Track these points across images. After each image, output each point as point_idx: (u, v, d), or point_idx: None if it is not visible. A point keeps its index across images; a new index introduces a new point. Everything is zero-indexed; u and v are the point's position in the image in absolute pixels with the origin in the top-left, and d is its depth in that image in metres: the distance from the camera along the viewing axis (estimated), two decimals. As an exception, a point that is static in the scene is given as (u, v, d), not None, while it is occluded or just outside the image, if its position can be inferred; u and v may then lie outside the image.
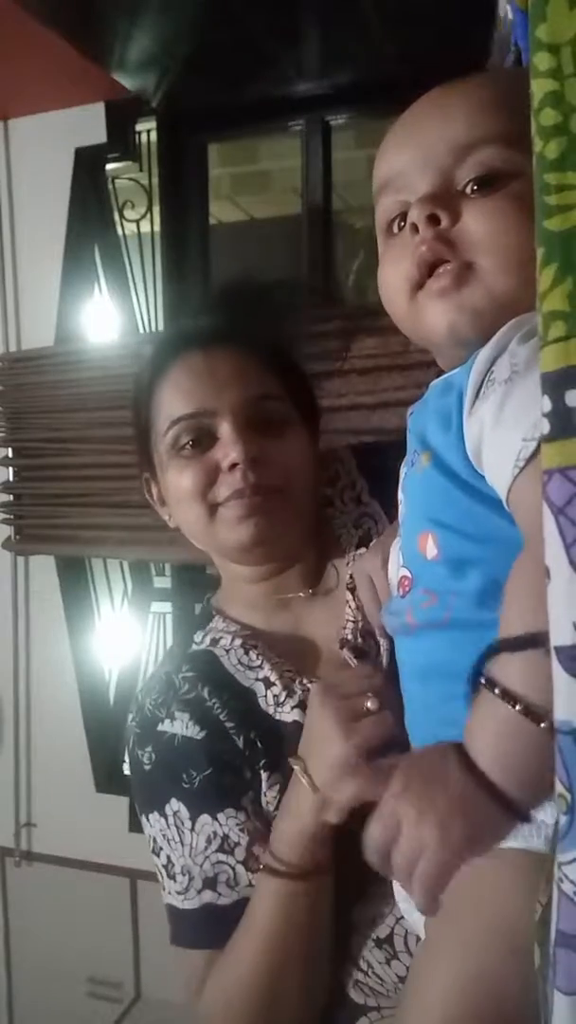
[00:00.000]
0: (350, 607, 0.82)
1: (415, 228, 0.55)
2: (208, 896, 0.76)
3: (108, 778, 2.54)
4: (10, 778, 2.63)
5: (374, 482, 0.90)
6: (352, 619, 0.81)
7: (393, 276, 0.59)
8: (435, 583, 0.54)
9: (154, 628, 2.68)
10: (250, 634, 0.86)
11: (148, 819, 0.81)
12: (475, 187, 0.54)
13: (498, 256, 0.53)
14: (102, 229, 2.53)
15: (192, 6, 1.92)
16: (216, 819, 0.76)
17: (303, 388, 0.89)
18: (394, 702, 0.65)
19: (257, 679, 0.81)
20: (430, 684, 0.57)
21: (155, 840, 0.80)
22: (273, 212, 3.06)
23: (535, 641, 0.42)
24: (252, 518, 0.80)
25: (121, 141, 2.45)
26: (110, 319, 2.54)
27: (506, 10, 0.69)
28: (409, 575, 0.58)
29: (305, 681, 0.80)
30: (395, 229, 0.59)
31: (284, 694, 0.79)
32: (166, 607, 2.67)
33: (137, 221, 2.52)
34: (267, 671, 0.81)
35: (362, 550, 0.85)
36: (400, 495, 0.62)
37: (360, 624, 0.80)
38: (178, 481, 0.83)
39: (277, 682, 0.80)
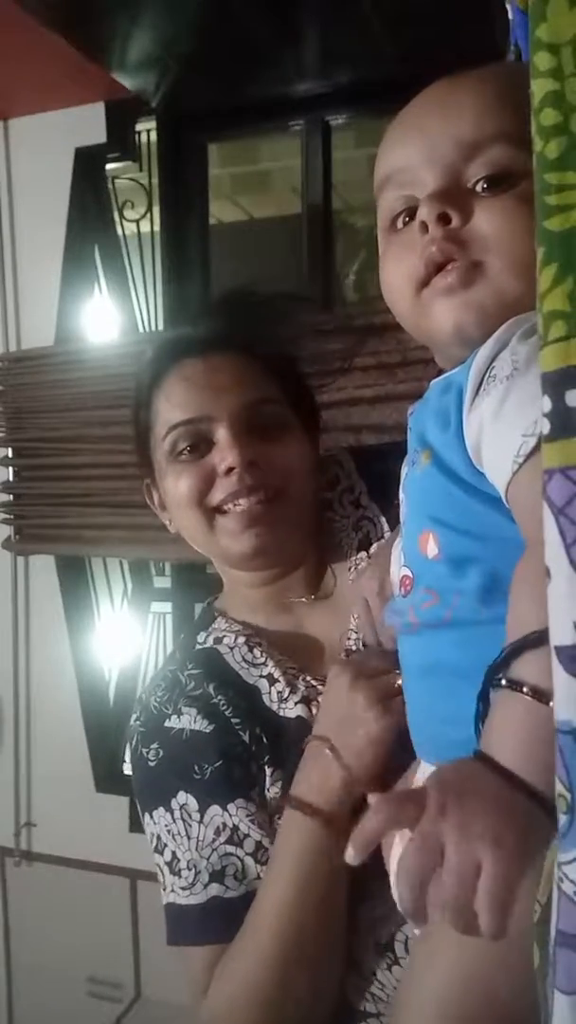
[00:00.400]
0: (354, 618, 0.82)
1: (424, 226, 0.55)
2: (215, 889, 0.75)
3: (108, 778, 2.54)
4: (10, 778, 2.63)
5: (373, 485, 0.90)
6: (356, 630, 0.82)
7: (397, 273, 0.58)
8: (436, 582, 0.54)
9: (154, 628, 2.68)
10: (253, 633, 0.86)
11: (152, 816, 0.81)
12: (485, 185, 0.54)
13: (507, 256, 0.52)
14: (102, 229, 2.53)
15: (192, 6, 1.92)
16: (226, 810, 0.76)
17: (302, 393, 0.89)
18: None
19: (261, 676, 0.82)
20: (433, 682, 0.57)
21: (159, 837, 0.80)
22: (273, 212, 3.07)
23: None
24: (253, 528, 0.80)
25: (121, 141, 2.45)
26: (110, 319, 2.54)
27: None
28: (410, 574, 0.58)
29: (308, 678, 0.80)
30: (399, 225, 0.59)
31: (288, 691, 0.80)
32: (166, 607, 2.67)
33: (137, 221, 2.53)
34: (270, 668, 0.82)
35: (362, 555, 0.85)
36: (401, 495, 0.62)
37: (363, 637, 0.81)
38: (176, 486, 0.83)
39: (280, 679, 0.81)
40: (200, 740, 0.79)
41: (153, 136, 2.50)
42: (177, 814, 0.78)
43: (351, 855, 0.44)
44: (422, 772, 0.60)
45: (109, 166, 2.50)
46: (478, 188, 0.54)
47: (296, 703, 0.79)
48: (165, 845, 0.79)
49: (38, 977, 2.72)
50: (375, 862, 0.55)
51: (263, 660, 0.83)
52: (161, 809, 0.79)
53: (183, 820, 0.78)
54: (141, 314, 2.57)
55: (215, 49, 2.13)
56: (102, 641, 2.60)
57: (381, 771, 0.68)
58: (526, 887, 0.41)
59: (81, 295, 2.53)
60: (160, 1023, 2.49)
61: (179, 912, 0.77)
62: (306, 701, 0.79)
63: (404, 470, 0.62)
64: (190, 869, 0.76)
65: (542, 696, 0.41)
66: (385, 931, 0.70)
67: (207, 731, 0.79)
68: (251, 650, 0.84)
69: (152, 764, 0.82)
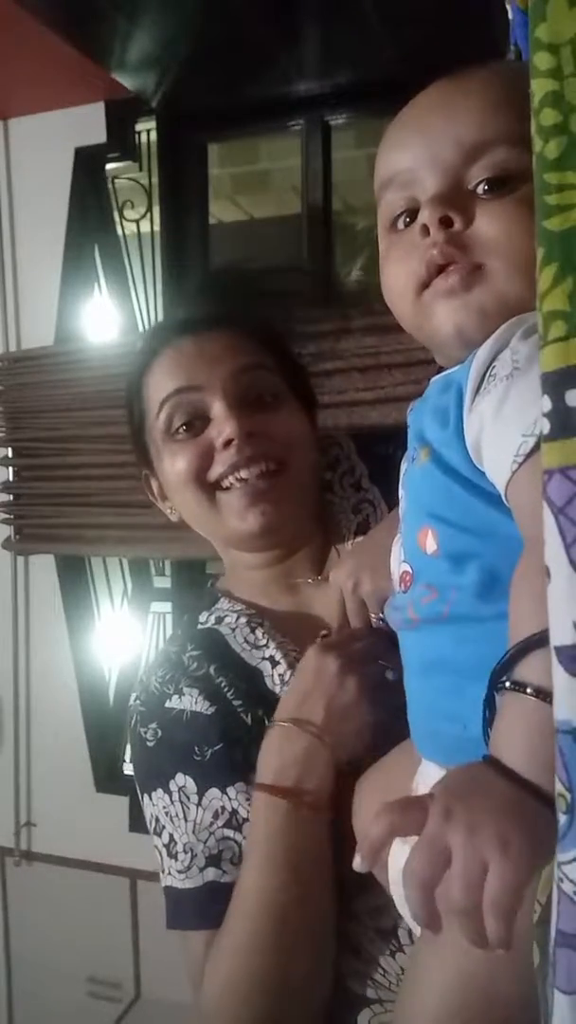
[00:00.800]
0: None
1: (425, 229, 0.55)
2: (211, 874, 0.74)
3: (108, 778, 2.54)
4: (10, 778, 2.63)
5: (374, 468, 0.89)
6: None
7: (398, 274, 0.58)
8: (435, 578, 0.54)
9: (154, 628, 2.68)
10: (255, 613, 0.85)
11: (151, 797, 0.80)
12: (486, 188, 0.54)
13: (508, 259, 0.53)
14: (102, 229, 2.53)
15: (192, 6, 1.92)
16: (225, 793, 0.75)
17: (295, 365, 0.88)
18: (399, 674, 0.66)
19: (263, 658, 0.81)
20: (432, 678, 0.57)
21: (157, 819, 0.79)
22: (273, 212, 3.06)
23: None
24: (259, 506, 0.79)
25: (121, 141, 2.45)
26: (110, 319, 2.54)
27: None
28: (410, 570, 0.58)
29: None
30: (400, 225, 0.59)
31: (289, 673, 0.79)
32: (166, 607, 2.67)
33: (137, 221, 2.52)
34: (272, 650, 0.81)
35: (360, 539, 0.84)
36: (401, 491, 0.62)
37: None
38: (174, 465, 0.82)
39: (282, 661, 0.80)
40: (201, 722, 0.78)
41: (153, 136, 2.50)
42: (175, 796, 0.77)
43: (359, 863, 0.45)
44: (423, 770, 0.59)
45: (109, 166, 2.50)
46: (479, 190, 0.54)
47: None
48: (163, 827, 0.78)
49: (38, 977, 2.72)
50: None
51: (265, 642, 0.82)
52: (160, 791, 0.78)
53: (181, 803, 0.77)
54: (141, 314, 2.57)
55: (215, 49, 2.13)
56: (102, 641, 2.60)
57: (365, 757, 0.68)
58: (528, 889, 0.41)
59: (81, 295, 2.53)
60: (160, 1023, 2.49)
61: (177, 896, 0.76)
62: None
63: (403, 466, 0.62)
64: (187, 852, 0.75)
65: (546, 696, 0.41)
66: (388, 918, 0.69)
67: (208, 713, 0.78)
68: (253, 631, 0.83)
69: (151, 744, 0.81)
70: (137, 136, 2.49)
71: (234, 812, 0.75)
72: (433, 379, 0.61)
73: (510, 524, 0.48)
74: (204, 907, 0.74)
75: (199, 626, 0.87)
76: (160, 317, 2.56)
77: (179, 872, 0.75)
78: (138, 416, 0.87)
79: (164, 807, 0.78)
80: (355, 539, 0.85)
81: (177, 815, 0.77)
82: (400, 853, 0.52)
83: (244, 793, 0.75)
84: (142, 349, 0.87)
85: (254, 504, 0.79)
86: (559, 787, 0.35)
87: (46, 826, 2.64)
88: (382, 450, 0.80)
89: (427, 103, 0.57)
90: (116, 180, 2.53)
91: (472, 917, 0.40)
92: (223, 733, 0.77)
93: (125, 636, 2.63)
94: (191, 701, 0.80)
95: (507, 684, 0.43)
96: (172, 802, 0.77)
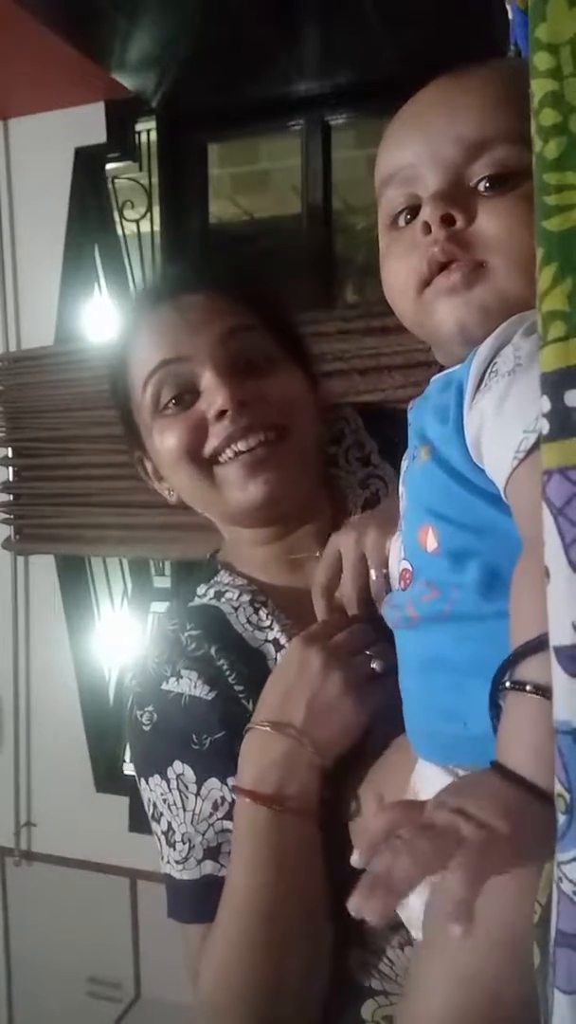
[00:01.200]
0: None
1: (427, 227, 0.55)
2: (209, 867, 0.72)
3: (108, 778, 2.54)
4: (10, 778, 2.63)
5: (385, 445, 0.84)
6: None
7: (400, 271, 0.58)
8: (436, 576, 0.54)
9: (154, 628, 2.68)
10: (258, 591, 0.80)
11: (147, 782, 0.76)
12: (488, 185, 0.54)
13: (510, 257, 0.52)
14: (102, 229, 2.53)
15: (192, 6, 1.92)
16: (225, 783, 0.72)
17: (286, 321, 0.82)
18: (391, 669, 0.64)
19: (267, 641, 0.77)
20: (431, 677, 0.56)
21: (155, 805, 0.76)
22: (273, 212, 3.06)
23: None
24: (260, 475, 0.74)
25: (121, 141, 2.45)
26: (110, 319, 2.54)
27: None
28: (410, 568, 0.58)
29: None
30: (401, 222, 0.58)
31: None
32: (166, 607, 2.67)
33: (137, 221, 2.52)
34: (277, 633, 0.77)
35: (367, 513, 0.79)
36: (401, 488, 0.62)
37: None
38: (164, 442, 0.77)
39: (287, 645, 0.75)
40: (200, 708, 0.74)
41: (153, 136, 2.50)
42: (173, 784, 0.74)
43: (357, 859, 0.44)
44: (419, 769, 0.59)
45: (109, 166, 2.50)
46: (480, 187, 0.54)
47: None
48: (161, 814, 0.75)
49: (38, 977, 2.72)
50: None
51: (269, 623, 0.77)
52: (157, 777, 0.75)
53: (179, 791, 0.74)
54: (141, 314, 2.57)
55: (215, 49, 2.13)
56: (102, 641, 2.60)
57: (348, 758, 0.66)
58: (528, 887, 0.41)
59: (81, 295, 2.53)
60: (160, 1023, 2.49)
61: (175, 886, 0.74)
62: None
63: (404, 464, 0.62)
64: (184, 843, 0.73)
65: (547, 694, 0.40)
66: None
67: (208, 698, 0.74)
68: (256, 611, 0.78)
69: (146, 728, 0.77)
70: (137, 136, 2.49)
71: (235, 803, 0.71)
72: (434, 378, 0.61)
73: (510, 522, 0.48)
74: (201, 900, 0.72)
75: (196, 599, 0.83)
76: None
77: (177, 862, 0.73)
78: (123, 395, 0.82)
79: (162, 794, 0.75)
80: (363, 514, 0.80)
81: (175, 804, 0.74)
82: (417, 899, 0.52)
83: None
84: (124, 327, 0.82)
85: (254, 474, 0.74)
86: (558, 787, 0.35)
87: (46, 826, 2.64)
88: (392, 429, 0.75)
89: (428, 100, 0.57)
90: (116, 180, 2.53)
91: (421, 863, 0.39)
92: (224, 720, 0.73)
93: (125, 636, 2.63)
94: (189, 685, 0.75)
95: (507, 684, 0.43)
96: (170, 790, 0.74)
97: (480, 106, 0.54)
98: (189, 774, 0.74)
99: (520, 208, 0.52)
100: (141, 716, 0.78)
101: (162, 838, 0.75)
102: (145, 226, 2.54)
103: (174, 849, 0.74)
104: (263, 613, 0.78)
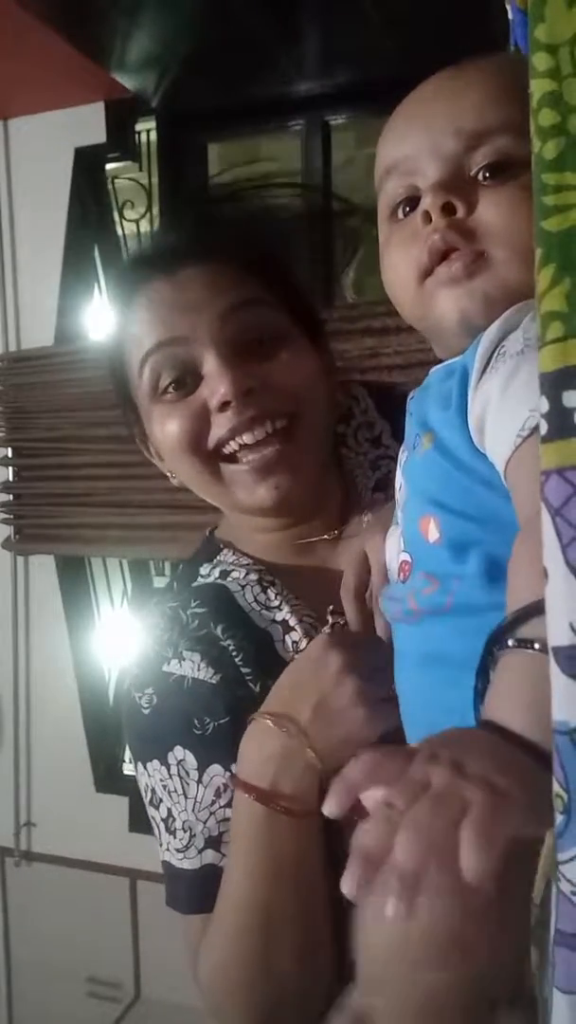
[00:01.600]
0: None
1: (427, 216, 0.55)
2: (210, 856, 0.69)
3: (108, 778, 2.54)
4: (10, 778, 2.63)
5: (398, 426, 0.80)
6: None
7: (400, 262, 0.58)
8: (437, 567, 0.54)
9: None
10: (266, 570, 0.77)
11: (146, 767, 0.73)
12: (487, 174, 0.54)
13: (511, 246, 0.53)
14: (102, 229, 2.53)
15: (192, 6, 1.92)
16: (229, 770, 0.69)
17: (294, 289, 0.76)
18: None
19: (274, 621, 0.73)
20: (432, 672, 0.56)
21: (153, 791, 0.73)
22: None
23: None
24: (270, 478, 0.70)
25: (121, 141, 2.45)
26: (110, 319, 2.54)
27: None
28: (409, 559, 0.58)
29: (325, 630, 0.72)
30: (401, 214, 0.58)
31: (305, 641, 0.72)
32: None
33: (137, 221, 2.52)
34: (286, 614, 0.73)
35: (379, 495, 0.77)
36: (399, 479, 0.62)
37: None
38: (165, 431, 0.72)
39: (296, 627, 0.72)
40: (204, 691, 0.71)
41: (153, 136, 2.50)
42: (174, 770, 0.71)
43: (330, 806, 0.40)
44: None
45: (109, 166, 2.50)
46: (480, 177, 0.54)
47: None
48: (160, 800, 0.72)
49: (38, 977, 2.72)
50: None
51: (278, 603, 0.74)
52: (156, 762, 0.72)
53: (180, 777, 0.71)
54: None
55: (215, 49, 2.13)
56: (102, 641, 2.60)
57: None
58: (519, 877, 0.39)
59: (81, 295, 2.53)
60: (160, 1023, 2.49)
61: (174, 874, 0.72)
62: None
63: (402, 455, 0.62)
64: (185, 831, 0.70)
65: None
66: None
67: (212, 682, 0.71)
68: (265, 591, 0.74)
69: (145, 711, 0.74)
70: (137, 136, 2.49)
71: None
72: (433, 369, 0.61)
73: (512, 511, 0.48)
74: (201, 890, 0.70)
75: (200, 579, 0.79)
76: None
77: (177, 851, 0.71)
78: (119, 370, 0.77)
79: (161, 780, 0.72)
80: (373, 495, 0.77)
81: (176, 790, 0.71)
82: None
83: None
84: (116, 287, 0.76)
85: (265, 477, 0.70)
86: (556, 787, 0.35)
87: (46, 826, 2.64)
88: (404, 414, 0.70)
89: (428, 93, 0.58)
90: (116, 180, 2.53)
91: (428, 840, 0.34)
92: (229, 705, 0.70)
93: (125, 636, 2.63)
94: (192, 667, 0.72)
95: (510, 643, 0.41)
96: (170, 776, 0.71)
97: (479, 96, 0.54)
98: (190, 760, 0.71)
99: (520, 197, 0.52)
100: (140, 699, 0.75)
101: (160, 825, 0.73)
102: (145, 226, 2.54)
103: (174, 837, 0.71)
104: (271, 593, 0.75)
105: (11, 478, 2.52)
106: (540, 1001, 0.40)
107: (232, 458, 0.72)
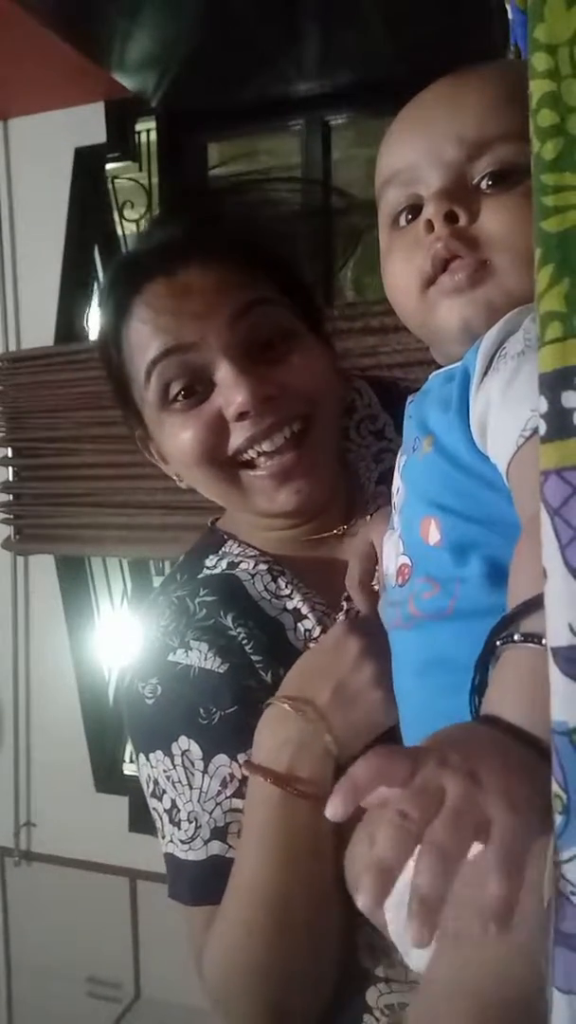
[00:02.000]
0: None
1: (429, 224, 0.55)
2: (216, 847, 0.68)
3: (108, 778, 2.55)
4: (10, 778, 2.63)
5: (398, 421, 0.79)
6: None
7: (402, 270, 0.58)
8: (437, 570, 0.54)
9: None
10: (274, 561, 0.76)
11: (149, 759, 0.72)
12: (490, 183, 0.54)
13: (513, 254, 0.53)
14: (102, 229, 2.53)
15: (192, 6, 1.92)
16: (235, 760, 0.68)
17: (299, 286, 0.75)
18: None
19: (285, 610, 0.73)
20: (433, 678, 0.56)
21: (156, 782, 0.72)
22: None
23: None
24: (290, 483, 0.69)
25: (121, 141, 2.45)
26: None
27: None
28: (409, 562, 0.57)
29: (338, 617, 0.72)
30: (402, 222, 0.59)
31: (318, 629, 0.71)
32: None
33: (137, 221, 2.52)
34: (297, 602, 0.73)
35: (383, 488, 0.76)
36: (397, 482, 0.62)
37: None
38: (177, 441, 0.71)
39: (309, 615, 0.72)
40: (212, 681, 0.70)
41: (153, 136, 2.50)
42: (178, 760, 0.70)
43: (334, 807, 0.39)
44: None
45: (109, 166, 2.51)
46: (482, 185, 0.54)
47: None
48: (164, 791, 0.71)
49: (38, 977, 2.72)
50: None
51: (288, 592, 0.73)
52: (159, 752, 0.71)
53: (184, 767, 0.70)
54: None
55: (215, 49, 2.13)
56: (102, 641, 2.60)
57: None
58: (539, 876, 0.38)
59: (81, 295, 2.53)
60: (160, 1023, 2.49)
61: (178, 866, 0.70)
62: None
63: (401, 458, 0.62)
64: (190, 822, 0.69)
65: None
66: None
67: (220, 671, 0.70)
68: (275, 580, 0.74)
69: (149, 701, 0.72)
70: (137, 136, 2.49)
71: (244, 780, 0.68)
72: (433, 373, 0.61)
73: (514, 513, 0.48)
74: (206, 882, 0.68)
75: (207, 571, 0.78)
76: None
77: (182, 842, 0.70)
78: (118, 369, 0.74)
79: (165, 770, 0.71)
80: (376, 488, 0.77)
81: (180, 781, 0.70)
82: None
83: None
84: (112, 286, 0.74)
85: (285, 482, 0.69)
86: (555, 787, 0.35)
87: (46, 826, 2.64)
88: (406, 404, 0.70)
89: (429, 100, 0.58)
90: (116, 180, 2.53)
91: (451, 863, 0.34)
92: (237, 694, 0.69)
93: (125, 636, 2.63)
94: (199, 657, 0.71)
95: (515, 637, 0.41)
96: (174, 766, 0.70)
97: (481, 105, 0.54)
98: (195, 750, 0.70)
99: (523, 205, 0.52)
100: (143, 688, 0.74)
101: (164, 816, 0.72)
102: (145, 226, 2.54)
103: (179, 828, 0.70)
104: (282, 582, 0.74)
105: (11, 478, 2.52)
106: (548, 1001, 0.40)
107: (250, 464, 0.71)
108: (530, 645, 0.40)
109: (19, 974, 2.80)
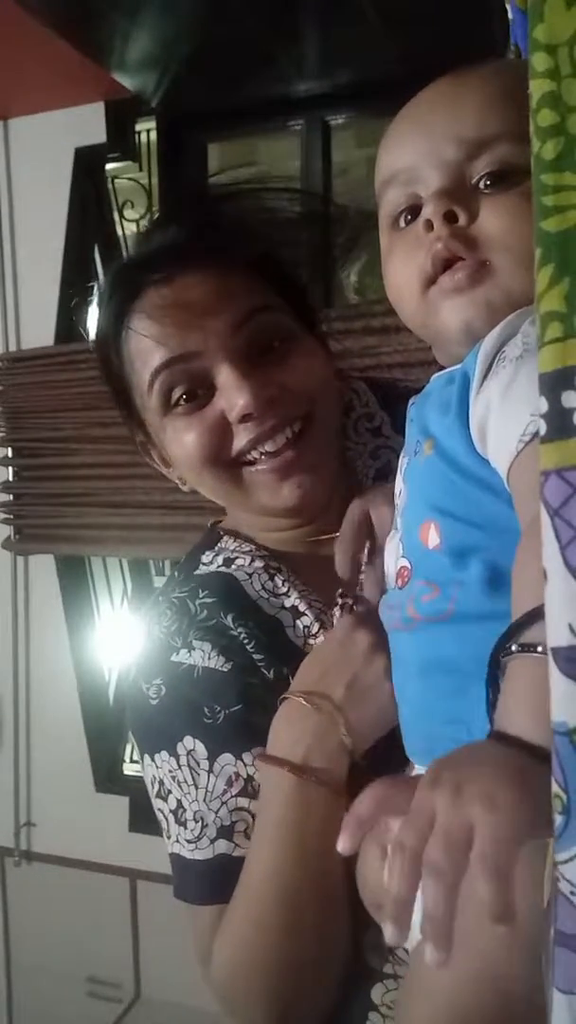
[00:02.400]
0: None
1: (429, 224, 0.55)
2: (223, 846, 0.68)
3: (108, 778, 2.55)
4: (10, 778, 2.63)
5: (396, 419, 0.81)
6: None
7: (403, 271, 0.58)
8: (437, 573, 0.54)
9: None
10: (270, 556, 0.77)
11: (153, 759, 0.73)
12: (489, 183, 0.54)
13: (513, 254, 0.53)
14: (102, 229, 2.53)
15: (192, 6, 1.92)
16: (240, 759, 0.69)
17: (296, 289, 0.76)
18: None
19: (283, 608, 0.74)
20: (433, 681, 0.56)
21: (161, 782, 0.72)
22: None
23: None
24: (293, 478, 0.70)
25: (121, 141, 2.45)
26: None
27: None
28: (409, 566, 0.58)
29: (335, 612, 0.71)
30: (402, 222, 0.59)
31: (316, 625, 0.72)
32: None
33: (137, 221, 2.52)
34: (295, 599, 0.74)
35: (379, 484, 0.77)
36: (400, 485, 0.62)
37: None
38: (181, 445, 0.72)
39: (307, 612, 0.73)
40: (215, 680, 0.71)
41: (153, 136, 2.50)
42: (183, 760, 0.71)
43: (344, 844, 0.41)
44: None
45: (109, 166, 2.51)
46: (482, 185, 0.54)
47: None
48: (169, 792, 0.72)
49: (38, 977, 2.72)
50: None
51: (286, 590, 0.74)
52: (164, 753, 0.72)
53: (190, 767, 0.70)
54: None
55: (215, 49, 2.13)
56: (102, 641, 2.60)
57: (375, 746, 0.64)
58: (536, 880, 0.39)
59: (81, 295, 2.53)
60: (160, 1023, 2.49)
61: (184, 865, 0.70)
62: None
63: (403, 461, 0.62)
64: (196, 821, 0.69)
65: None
66: None
67: (224, 670, 0.71)
68: (271, 578, 0.75)
69: (154, 702, 0.73)
70: (137, 136, 2.49)
71: (250, 779, 0.68)
72: (435, 375, 0.61)
73: (513, 518, 0.48)
74: (213, 881, 0.69)
75: (202, 567, 0.78)
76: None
77: (188, 841, 0.70)
78: (117, 374, 0.75)
79: (170, 771, 0.71)
80: (373, 485, 0.77)
81: (185, 780, 0.70)
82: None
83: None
84: (111, 293, 0.74)
85: (287, 478, 0.70)
86: (555, 788, 0.35)
87: (46, 826, 2.64)
88: (405, 408, 0.69)
89: (428, 100, 0.58)
90: (116, 180, 2.53)
91: (451, 881, 0.35)
92: (241, 693, 0.70)
93: (125, 636, 2.63)
94: (202, 656, 0.71)
95: (514, 648, 0.41)
96: (179, 766, 0.71)
97: (480, 104, 0.54)
98: (201, 749, 0.70)
99: (522, 205, 0.52)
100: (148, 689, 0.74)
101: (169, 816, 0.72)
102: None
103: (185, 828, 0.70)
104: (279, 580, 0.75)
105: (11, 478, 2.52)
106: (548, 1002, 0.40)
107: (251, 463, 0.72)
108: (532, 654, 0.40)
109: (19, 974, 2.80)
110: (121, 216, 2.53)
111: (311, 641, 0.72)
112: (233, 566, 0.77)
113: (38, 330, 2.53)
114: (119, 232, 2.55)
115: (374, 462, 0.81)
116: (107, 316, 0.74)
